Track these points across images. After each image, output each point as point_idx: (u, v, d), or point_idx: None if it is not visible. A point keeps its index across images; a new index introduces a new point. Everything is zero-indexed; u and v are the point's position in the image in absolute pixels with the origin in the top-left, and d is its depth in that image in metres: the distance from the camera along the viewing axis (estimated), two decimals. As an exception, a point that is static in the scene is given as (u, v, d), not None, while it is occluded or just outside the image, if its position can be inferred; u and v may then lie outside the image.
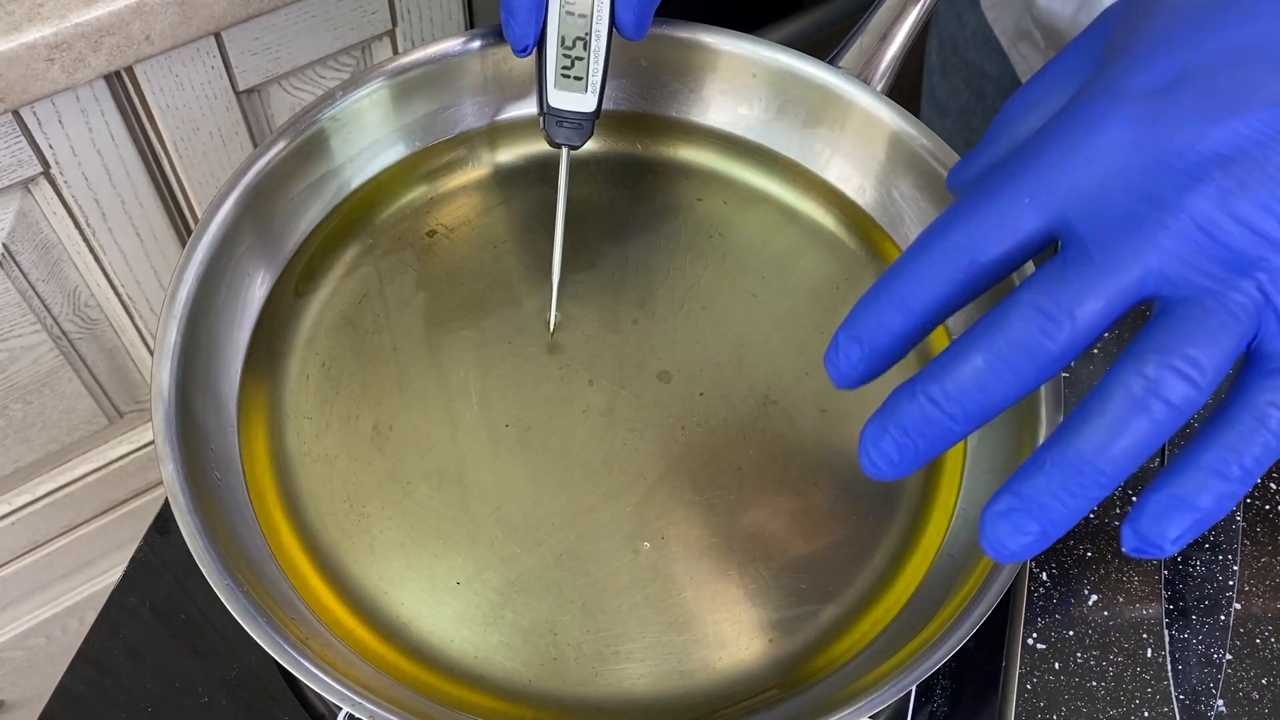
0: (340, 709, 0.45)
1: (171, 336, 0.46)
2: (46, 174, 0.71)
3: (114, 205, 0.76)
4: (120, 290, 0.82)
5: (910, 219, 0.55)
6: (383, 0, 0.77)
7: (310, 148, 0.52)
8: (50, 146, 0.69)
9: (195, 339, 0.47)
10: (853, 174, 0.57)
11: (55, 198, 0.73)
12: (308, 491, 0.48)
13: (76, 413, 0.88)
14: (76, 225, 0.76)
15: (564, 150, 0.52)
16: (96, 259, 0.79)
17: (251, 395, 0.50)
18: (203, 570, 0.41)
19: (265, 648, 0.40)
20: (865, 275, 0.55)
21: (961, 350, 0.34)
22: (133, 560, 0.49)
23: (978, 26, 0.92)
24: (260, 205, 0.51)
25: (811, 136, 0.57)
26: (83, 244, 0.77)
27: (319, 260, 0.54)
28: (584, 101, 0.51)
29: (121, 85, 0.70)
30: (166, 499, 0.51)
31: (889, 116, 0.54)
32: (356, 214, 0.55)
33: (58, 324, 0.81)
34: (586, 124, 0.51)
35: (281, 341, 0.51)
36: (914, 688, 0.48)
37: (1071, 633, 0.49)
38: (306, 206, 0.53)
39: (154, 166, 0.76)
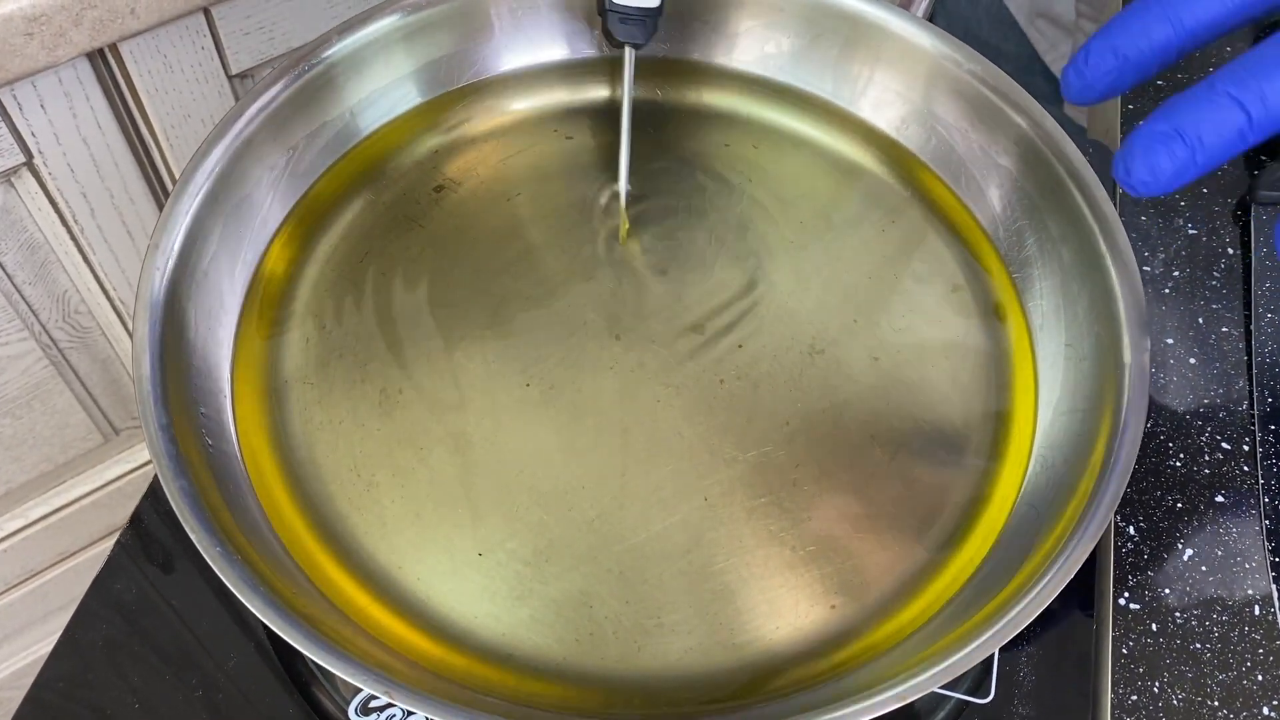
0: (355, 692, 0.41)
1: (154, 287, 0.42)
2: (29, 164, 0.67)
3: (102, 200, 0.72)
4: (112, 295, 0.78)
5: (961, 152, 0.51)
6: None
7: (311, 93, 0.48)
8: (33, 134, 0.65)
9: (182, 293, 0.43)
10: (893, 109, 0.53)
11: (40, 191, 0.69)
12: (310, 460, 0.43)
13: (69, 429, 0.83)
14: (63, 222, 0.71)
15: (628, 50, 0.50)
16: (85, 259, 0.75)
17: (246, 358, 0.45)
18: (193, 538, 0.36)
19: (265, 620, 0.35)
20: (912, 215, 0.51)
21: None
22: (117, 544, 0.44)
23: (990, 3, 0.89)
24: (255, 154, 0.47)
25: (845, 73, 0.53)
26: (70, 243, 0.73)
27: (320, 217, 0.49)
28: None
29: (106, 66, 0.66)
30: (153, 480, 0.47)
31: (930, 43, 0.50)
32: (360, 168, 0.51)
33: (46, 331, 0.77)
34: (651, 20, 0.49)
35: (279, 302, 0.47)
36: (996, 655, 0.43)
37: (1167, 591, 0.44)
38: (306, 158, 0.49)
39: (143, 157, 0.72)
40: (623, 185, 0.50)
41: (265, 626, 0.42)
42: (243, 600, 0.35)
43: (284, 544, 0.41)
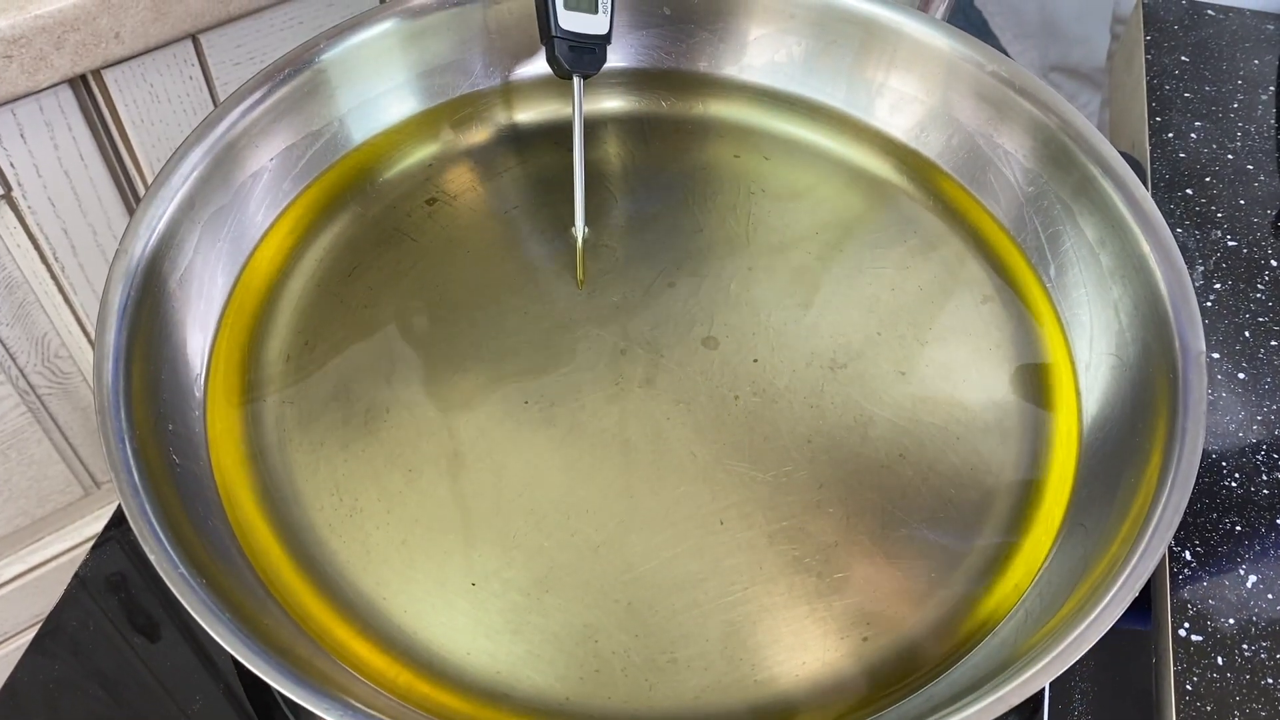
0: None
1: (121, 295, 0.38)
2: (8, 197, 0.64)
3: (85, 237, 0.69)
4: (95, 340, 0.74)
5: (984, 156, 0.48)
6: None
7: (299, 98, 0.46)
8: (11, 164, 0.63)
9: (152, 302, 0.40)
10: (910, 115, 0.50)
11: (19, 226, 0.66)
12: (289, 483, 0.40)
13: (48, 480, 0.79)
14: (43, 259, 0.69)
15: (577, 80, 0.46)
16: (67, 300, 0.71)
17: (222, 375, 0.42)
18: (151, 559, 0.32)
19: (230, 650, 0.31)
20: (934, 225, 0.48)
21: None
22: (75, 577, 0.40)
23: None
24: (237, 159, 0.44)
25: (859, 80, 0.50)
26: (50, 282, 0.70)
27: (306, 228, 0.46)
28: (595, 23, 0.46)
29: (90, 94, 0.64)
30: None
31: (948, 44, 0.48)
32: (350, 178, 0.48)
33: (24, 376, 0.73)
34: (600, 49, 0.46)
35: (260, 316, 0.44)
36: (1047, 692, 0.39)
37: (1231, 621, 0.40)
38: (292, 166, 0.46)
39: (128, 192, 0.69)
40: (579, 228, 0.46)
41: (235, 664, 0.38)
42: (205, 627, 0.31)
43: (257, 571, 0.37)
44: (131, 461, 0.34)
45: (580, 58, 0.45)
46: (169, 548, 0.33)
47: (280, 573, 0.37)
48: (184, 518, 0.35)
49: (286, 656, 0.32)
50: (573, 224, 0.46)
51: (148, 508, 0.33)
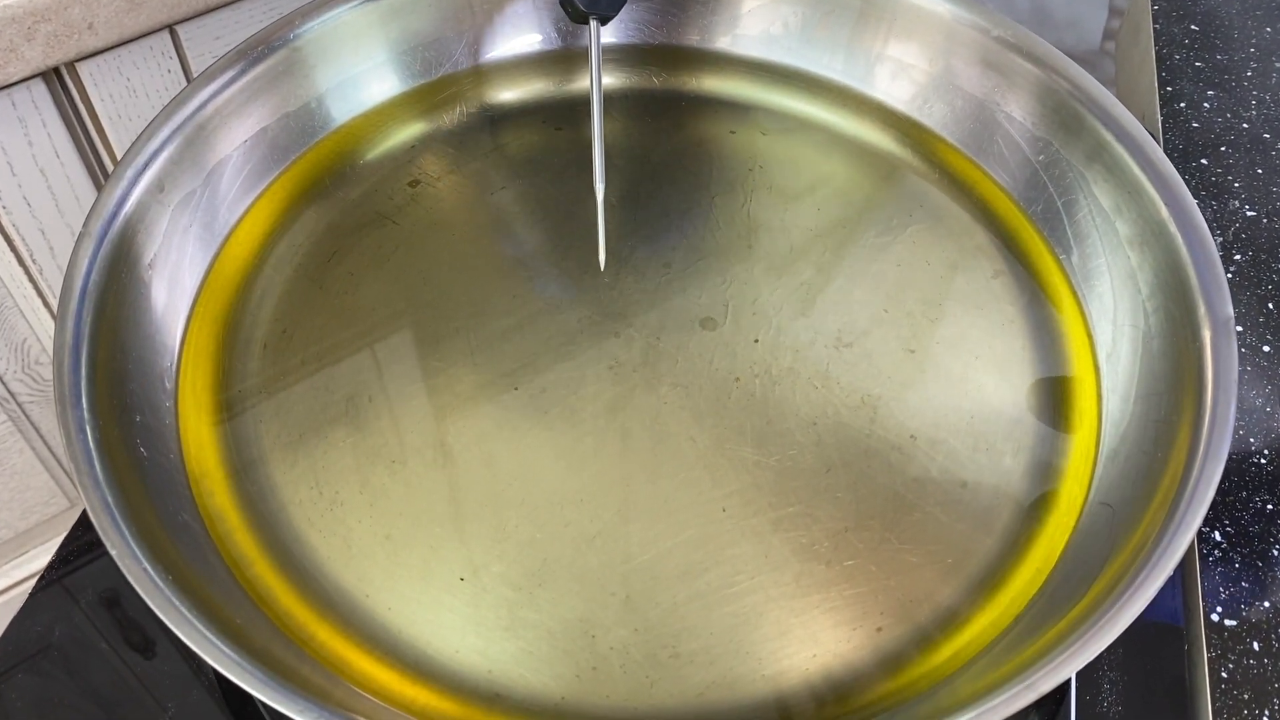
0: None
1: (83, 279, 0.36)
2: (-18, 197, 0.62)
3: (63, 238, 0.67)
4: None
5: (989, 125, 0.46)
6: None
7: (273, 77, 0.44)
8: (-16, 162, 0.61)
9: (119, 288, 0.38)
10: (911, 86, 0.48)
11: (-6, 227, 0.64)
12: (265, 477, 0.37)
13: (30, 492, 0.77)
14: (20, 261, 0.66)
15: (594, 24, 0.42)
16: (46, 304, 0.69)
17: (195, 365, 0.40)
18: (113, 554, 0.30)
19: (202, 653, 0.29)
20: (939, 198, 0.46)
21: None
22: (40, 579, 0.38)
23: None
24: (208, 141, 0.42)
25: (858, 50, 0.48)
26: (29, 285, 0.68)
27: (282, 213, 0.44)
28: None
29: (64, 89, 0.62)
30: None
31: (949, 10, 0.46)
32: (328, 160, 0.46)
33: (4, 384, 0.71)
34: None
35: (235, 304, 0.42)
36: (1074, 682, 0.37)
37: (1267, 604, 0.38)
38: (267, 148, 0.44)
39: (107, 190, 0.67)
40: (599, 187, 0.43)
41: (212, 667, 0.36)
42: (173, 627, 0.29)
43: (230, 568, 0.35)
44: (94, 453, 0.32)
45: None
46: (133, 544, 0.31)
47: (256, 569, 0.35)
48: (152, 512, 0.33)
49: (262, 658, 0.30)
50: (562, 209, 0.44)
51: (110, 501, 0.31)
